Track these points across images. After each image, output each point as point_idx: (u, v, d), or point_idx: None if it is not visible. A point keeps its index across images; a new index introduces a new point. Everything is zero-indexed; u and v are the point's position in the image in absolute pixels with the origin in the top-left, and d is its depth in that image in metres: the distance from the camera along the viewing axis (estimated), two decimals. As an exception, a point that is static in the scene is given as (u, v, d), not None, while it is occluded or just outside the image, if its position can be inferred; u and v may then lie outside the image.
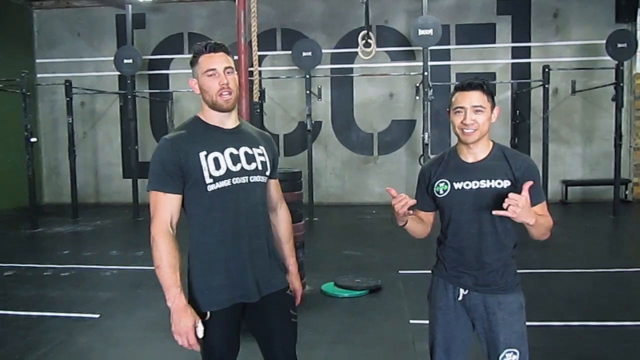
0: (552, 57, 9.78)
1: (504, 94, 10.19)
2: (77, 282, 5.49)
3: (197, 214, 1.90)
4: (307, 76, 8.98)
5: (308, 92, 8.99)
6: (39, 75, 11.02)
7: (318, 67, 9.23)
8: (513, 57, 10.20)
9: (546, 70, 8.63)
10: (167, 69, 10.81)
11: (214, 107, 1.91)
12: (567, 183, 9.90)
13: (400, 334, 3.89)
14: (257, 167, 1.95)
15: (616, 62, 8.32)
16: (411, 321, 4.08)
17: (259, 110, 7.67)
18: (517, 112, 10.03)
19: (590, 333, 3.89)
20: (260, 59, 7.60)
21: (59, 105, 10.81)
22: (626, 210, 8.95)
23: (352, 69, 10.28)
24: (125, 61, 9.25)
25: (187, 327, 1.82)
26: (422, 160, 8.87)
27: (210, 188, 1.87)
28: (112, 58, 9.44)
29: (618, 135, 8.41)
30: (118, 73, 9.80)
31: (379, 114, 10.44)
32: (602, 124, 9.93)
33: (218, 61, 1.88)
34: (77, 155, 9.54)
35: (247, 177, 1.92)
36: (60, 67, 10.91)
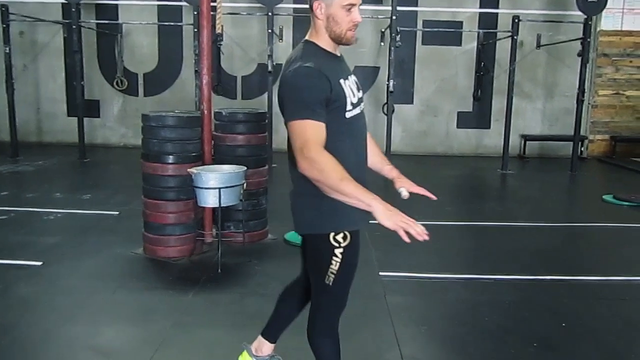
0: (520, 8, 9.57)
1: (470, 45, 9.98)
2: (18, 226, 5.04)
3: (332, 142, 1.81)
4: (269, 14, 8.46)
5: (269, 31, 8.49)
6: (-29, -1, 9.98)
7: (280, 5, 8.69)
8: (481, 7, 9.94)
9: (516, 20, 8.43)
10: (117, -1, 9.98)
11: (339, 39, 1.90)
12: (526, 138, 9.93)
13: (371, 286, 3.72)
14: (362, 95, 2.01)
15: (585, 16, 8.20)
16: (381, 273, 3.92)
17: (221, 43, 7.14)
18: (482, 63, 9.87)
19: (557, 287, 3.85)
20: (220, -8, 7.02)
21: (-6, 33, 9.85)
22: (582, 166, 9.06)
23: (316, 10, 9.75)
24: (70, -13, 8.43)
25: (406, 217, 1.74)
26: (385, 109, 8.64)
27: (348, 115, 1.89)
28: (55, -17, 8.57)
29: (581, 92, 8.40)
30: (62, 0, 8.93)
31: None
32: (564, 80, 9.93)
33: None
34: (15, 90, 8.79)
35: (361, 106, 1.98)
36: (-4, -9, 9.90)
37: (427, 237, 1.70)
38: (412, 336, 3.07)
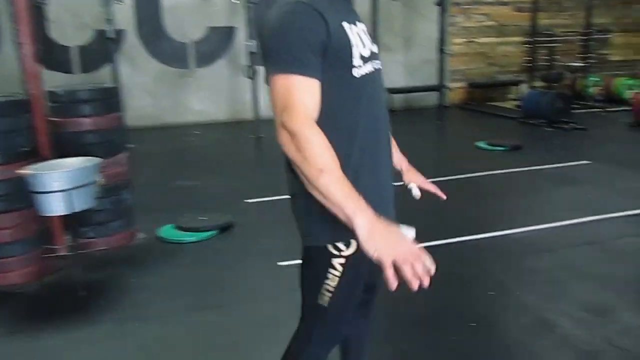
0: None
1: None
2: None
3: (332, 113, 1.30)
4: (102, -30, 7.23)
5: (105, -10, 7.29)
6: None
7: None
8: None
9: (373, -30, 8.12)
10: None
11: None
12: (391, 91, 9.85)
13: (272, 280, 3.17)
14: (376, 50, 1.46)
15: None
16: (279, 263, 3.38)
17: (44, 3, 5.89)
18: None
19: (461, 249, 3.62)
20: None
21: None
22: (446, 115, 9.19)
23: (156, -36, 8.64)
24: None
25: (411, 244, 1.19)
26: (249, 72, 7.94)
27: (356, 73, 1.34)
28: None
29: (441, 41, 8.41)
30: None
31: (192, 20, 9.07)
32: (421, 30, 9.93)
33: None
34: None
35: (377, 62, 1.44)
36: None
37: (427, 283, 1.14)
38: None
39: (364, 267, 1.39)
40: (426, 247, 1.18)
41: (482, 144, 6.66)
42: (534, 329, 2.64)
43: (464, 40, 10.27)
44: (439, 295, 2.97)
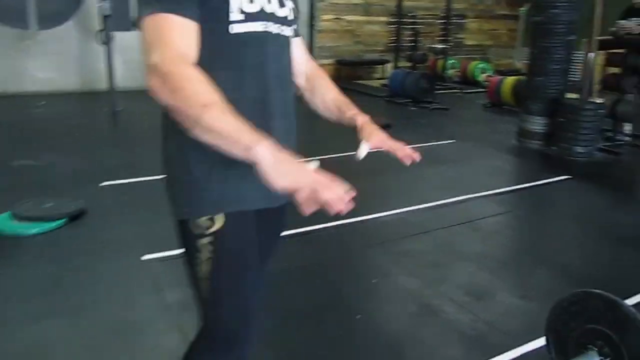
0: None
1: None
2: None
3: (208, 71, 1.05)
4: None
5: None
6: None
7: None
8: None
9: None
10: None
11: None
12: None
13: (134, 279, 2.76)
14: (287, 15, 1.26)
15: None
16: (143, 257, 2.96)
17: None
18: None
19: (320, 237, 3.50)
20: None
21: None
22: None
23: None
24: None
25: (311, 172, 0.97)
26: (102, 37, 7.10)
27: (235, 29, 1.13)
28: None
29: (311, 17, 8.24)
30: None
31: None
32: (290, 4, 9.69)
33: None
34: None
35: (279, 27, 1.22)
36: None
37: (350, 206, 0.96)
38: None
39: (241, 246, 1.19)
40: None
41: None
42: (420, 317, 2.55)
43: (333, 17, 10.22)
44: (318, 288, 2.79)
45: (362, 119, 1.43)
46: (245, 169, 0.99)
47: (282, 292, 2.63)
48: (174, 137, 1.17)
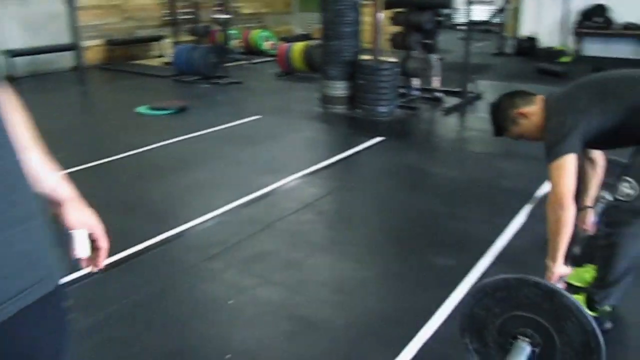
0: None
1: None
2: None
3: None
4: None
5: None
6: None
7: None
8: None
9: None
10: None
11: None
12: (13, 53, 7.89)
13: None
14: None
15: None
16: None
17: None
18: None
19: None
20: None
21: None
22: (88, 78, 7.85)
23: None
24: None
25: None
26: None
27: None
28: None
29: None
30: None
31: None
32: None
33: None
34: None
35: None
36: None
37: None
38: None
39: None
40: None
41: (143, 109, 5.82)
42: (299, 335, 2.17)
43: (95, -9, 8.93)
44: (163, 328, 2.23)
45: (65, 194, 1.01)
46: None
47: (119, 345, 2.00)
48: None
